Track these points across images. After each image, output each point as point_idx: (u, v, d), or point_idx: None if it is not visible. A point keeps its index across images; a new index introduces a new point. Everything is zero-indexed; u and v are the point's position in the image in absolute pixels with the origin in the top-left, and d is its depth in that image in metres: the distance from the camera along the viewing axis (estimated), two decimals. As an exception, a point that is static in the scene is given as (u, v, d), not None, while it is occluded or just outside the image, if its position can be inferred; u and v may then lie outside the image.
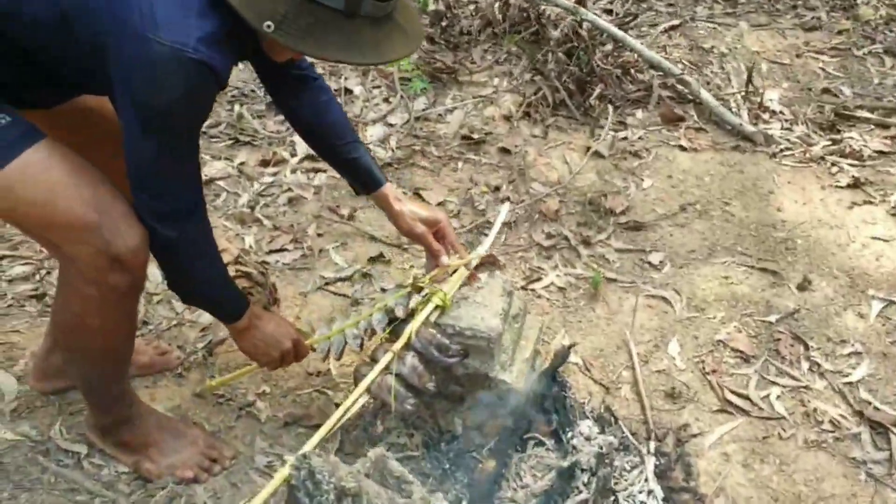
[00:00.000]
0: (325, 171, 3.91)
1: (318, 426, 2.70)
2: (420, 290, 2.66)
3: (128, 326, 2.32)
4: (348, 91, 4.52)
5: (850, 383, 2.97)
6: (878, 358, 3.07)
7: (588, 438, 2.74)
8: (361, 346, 2.65)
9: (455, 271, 2.68)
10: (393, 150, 4.12)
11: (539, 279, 3.41)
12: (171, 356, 2.97)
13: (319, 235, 3.59)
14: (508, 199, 3.76)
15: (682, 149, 4.27)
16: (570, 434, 2.75)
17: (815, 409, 2.86)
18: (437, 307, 2.62)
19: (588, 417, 2.83)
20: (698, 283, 3.41)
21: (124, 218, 2.04)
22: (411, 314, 2.63)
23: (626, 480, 2.66)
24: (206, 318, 3.12)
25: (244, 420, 2.78)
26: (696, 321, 3.22)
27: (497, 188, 3.92)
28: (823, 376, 3.00)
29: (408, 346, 2.55)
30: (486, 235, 2.84)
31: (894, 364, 3.05)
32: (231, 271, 2.63)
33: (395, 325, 2.63)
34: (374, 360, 2.60)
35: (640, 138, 4.33)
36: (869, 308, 3.29)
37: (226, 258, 2.51)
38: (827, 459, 2.70)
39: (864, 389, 2.94)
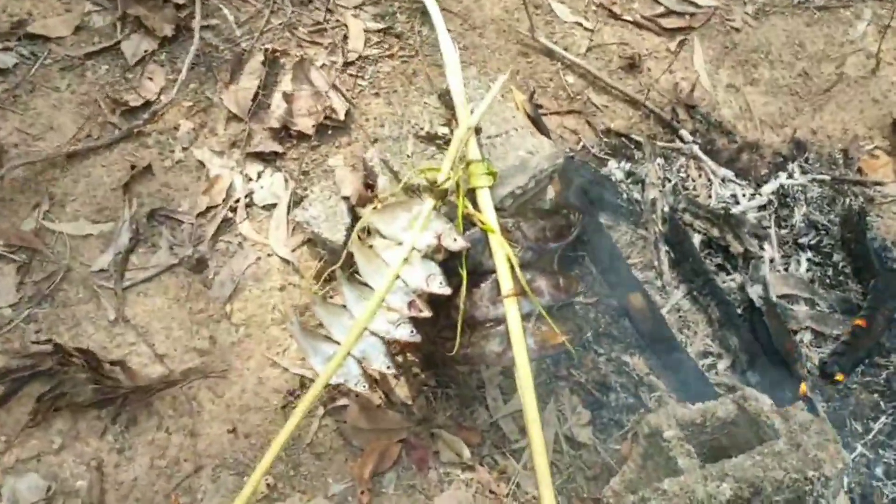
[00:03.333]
0: None
1: (412, 448, 1.71)
2: (443, 192, 1.52)
3: None
4: None
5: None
6: None
7: (637, 182, 2.09)
8: (415, 325, 1.53)
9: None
10: None
11: (355, 62, 2.21)
12: None
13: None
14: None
15: None
16: (624, 194, 2.06)
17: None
18: (484, 187, 1.56)
19: (609, 158, 2.12)
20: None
21: None
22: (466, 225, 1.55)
23: (696, 188, 2.13)
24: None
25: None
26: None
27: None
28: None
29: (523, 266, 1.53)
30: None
31: None
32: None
33: (460, 260, 1.53)
34: (486, 323, 1.55)
35: None
36: None
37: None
38: (783, 21, 2.40)
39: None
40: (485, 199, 1.52)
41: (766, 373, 1.82)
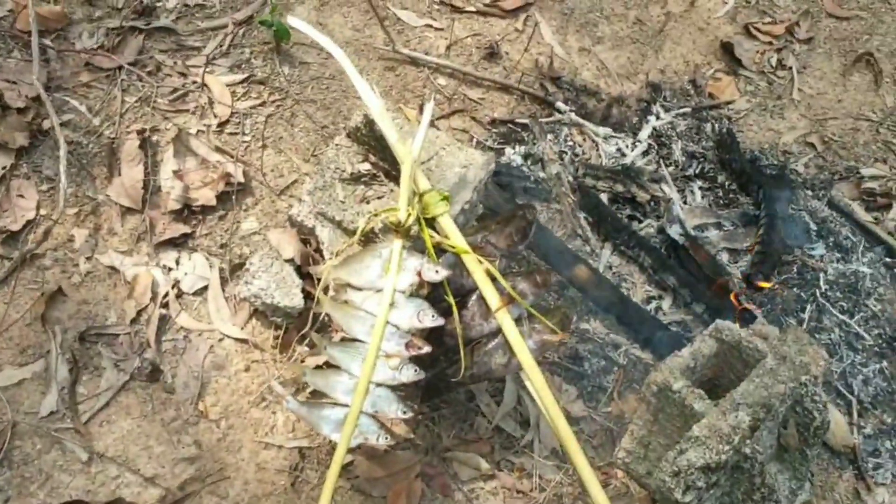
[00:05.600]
0: None
1: (431, 478, 1.73)
2: (408, 230, 1.54)
3: None
4: None
5: None
6: None
7: (536, 161, 2.19)
8: (423, 364, 1.55)
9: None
10: None
11: (230, 119, 2.14)
12: None
13: None
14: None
15: None
16: (529, 175, 2.15)
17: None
18: (443, 213, 1.59)
19: (503, 146, 2.19)
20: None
21: None
22: (437, 254, 1.57)
23: (585, 152, 2.26)
24: None
25: None
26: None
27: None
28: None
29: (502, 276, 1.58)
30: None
31: None
32: None
33: (441, 287, 1.56)
34: (483, 339, 1.59)
35: None
36: None
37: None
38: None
39: None
40: (448, 223, 1.55)
41: (707, 299, 1.99)
